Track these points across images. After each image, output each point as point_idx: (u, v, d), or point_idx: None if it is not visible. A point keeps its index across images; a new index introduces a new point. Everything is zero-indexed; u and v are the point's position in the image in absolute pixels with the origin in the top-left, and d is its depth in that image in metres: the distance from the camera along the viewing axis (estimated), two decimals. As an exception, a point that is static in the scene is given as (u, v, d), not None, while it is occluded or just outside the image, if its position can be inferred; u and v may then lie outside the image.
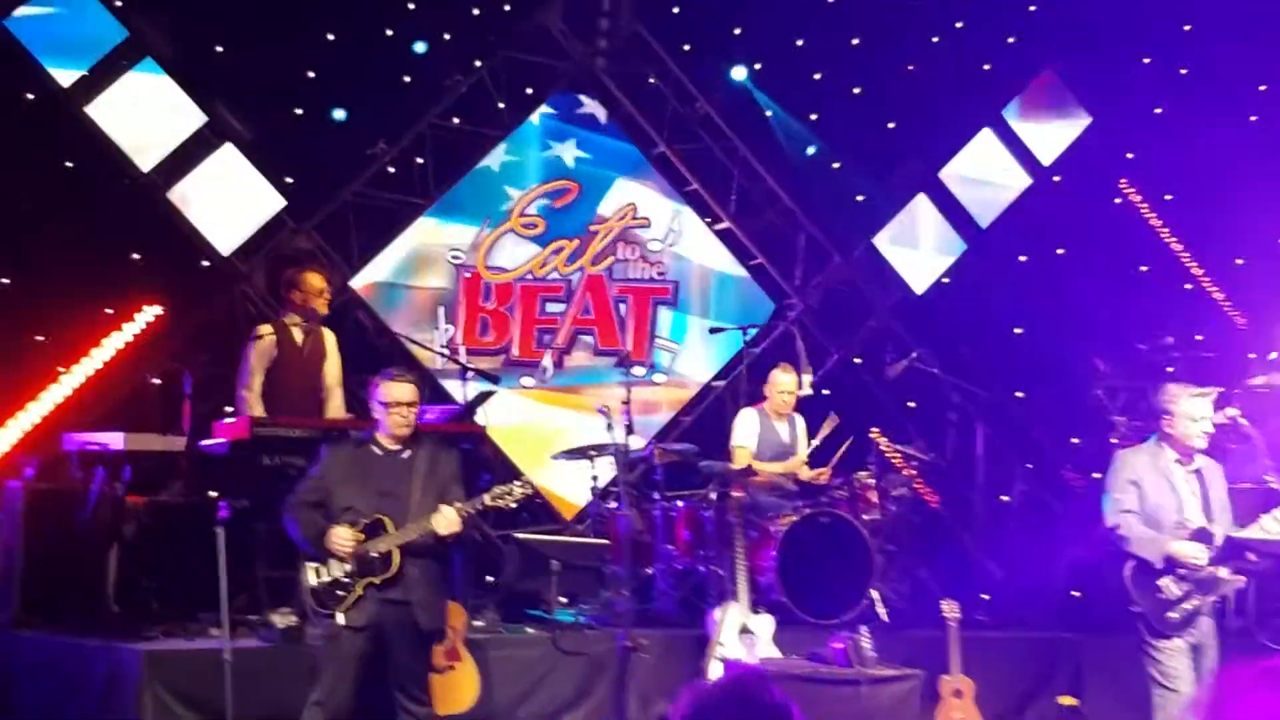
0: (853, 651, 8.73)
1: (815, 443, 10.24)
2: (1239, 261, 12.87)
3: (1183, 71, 12.86)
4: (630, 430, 9.86)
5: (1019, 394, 12.70)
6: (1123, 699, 8.65)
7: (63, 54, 10.51)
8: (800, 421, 10.40)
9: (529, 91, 12.00)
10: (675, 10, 12.36)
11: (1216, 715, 3.37)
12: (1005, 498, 12.36)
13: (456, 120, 11.76)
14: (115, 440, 8.82)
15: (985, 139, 12.71)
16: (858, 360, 12.57)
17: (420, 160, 11.64)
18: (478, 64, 11.75)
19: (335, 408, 9.34)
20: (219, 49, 11.02)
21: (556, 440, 11.26)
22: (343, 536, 7.13)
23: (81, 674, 8.15)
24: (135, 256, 10.81)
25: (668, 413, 12.22)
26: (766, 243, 12.51)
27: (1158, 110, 12.91)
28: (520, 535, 10.13)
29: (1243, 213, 12.25)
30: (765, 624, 8.86)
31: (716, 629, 8.73)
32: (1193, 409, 7.52)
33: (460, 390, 9.90)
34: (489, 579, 10.21)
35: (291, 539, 7.34)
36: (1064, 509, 12.02)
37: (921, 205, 12.63)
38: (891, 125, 12.72)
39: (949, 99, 12.57)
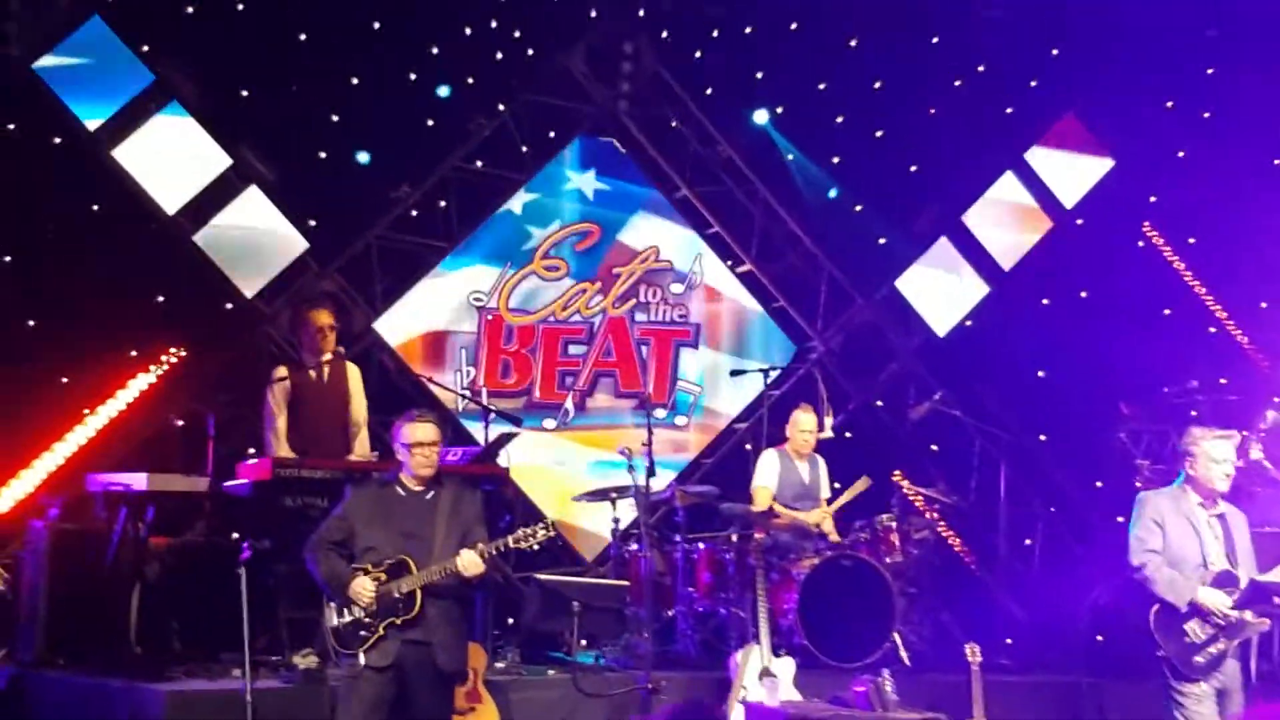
0: (875, 695, 8.69)
1: (843, 500, 10.23)
2: (1263, 305, 12.83)
3: (1206, 115, 12.86)
4: (652, 472, 9.87)
5: (1042, 437, 12.66)
6: (1147, 744, 8.58)
7: (90, 98, 10.63)
8: (821, 463, 10.39)
9: (551, 135, 12.07)
10: (697, 54, 12.42)
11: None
12: (1028, 541, 12.31)
13: (479, 163, 11.83)
14: (139, 481, 8.84)
15: (1008, 182, 12.73)
16: (879, 403, 12.55)
17: (443, 203, 11.71)
18: (500, 107, 11.83)
19: (362, 445, 9.39)
20: (244, 93, 11.10)
21: (578, 482, 11.26)
22: (365, 587, 7.13)
23: (104, 714, 8.13)
24: (160, 299, 10.86)
25: (691, 453, 12.22)
26: (788, 285, 12.53)
27: (1181, 153, 12.90)
28: (541, 576, 10.11)
29: (1267, 256, 12.23)
30: (787, 667, 8.82)
31: (738, 672, 8.71)
32: (1215, 451, 7.49)
33: (482, 431, 9.92)
34: (510, 620, 10.20)
35: (313, 578, 7.35)
36: (1087, 552, 11.95)
37: (944, 248, 12.63)
38: (914, 169, 12.74)
39: (971, 142, 12.59)
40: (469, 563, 7.16)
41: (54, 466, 10.15)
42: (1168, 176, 12.89)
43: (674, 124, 12.31)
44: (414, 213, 11.66)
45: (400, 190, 11.57)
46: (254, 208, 10.98)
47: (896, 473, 11.61)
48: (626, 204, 12.29)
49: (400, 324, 11.59)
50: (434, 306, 11.71)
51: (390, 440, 7.67)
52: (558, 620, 9.67)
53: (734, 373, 11.88)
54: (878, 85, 12.63)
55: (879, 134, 12.71)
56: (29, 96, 10.52)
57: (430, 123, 11.71)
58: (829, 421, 10.58)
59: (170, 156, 10.80)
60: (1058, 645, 10.69)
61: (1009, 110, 12.83)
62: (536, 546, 7.55)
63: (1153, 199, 13.06)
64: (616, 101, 12.12)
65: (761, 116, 12.49)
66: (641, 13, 12.09)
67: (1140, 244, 13.05)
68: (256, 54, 10.97)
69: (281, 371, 9.32)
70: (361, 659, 7.12)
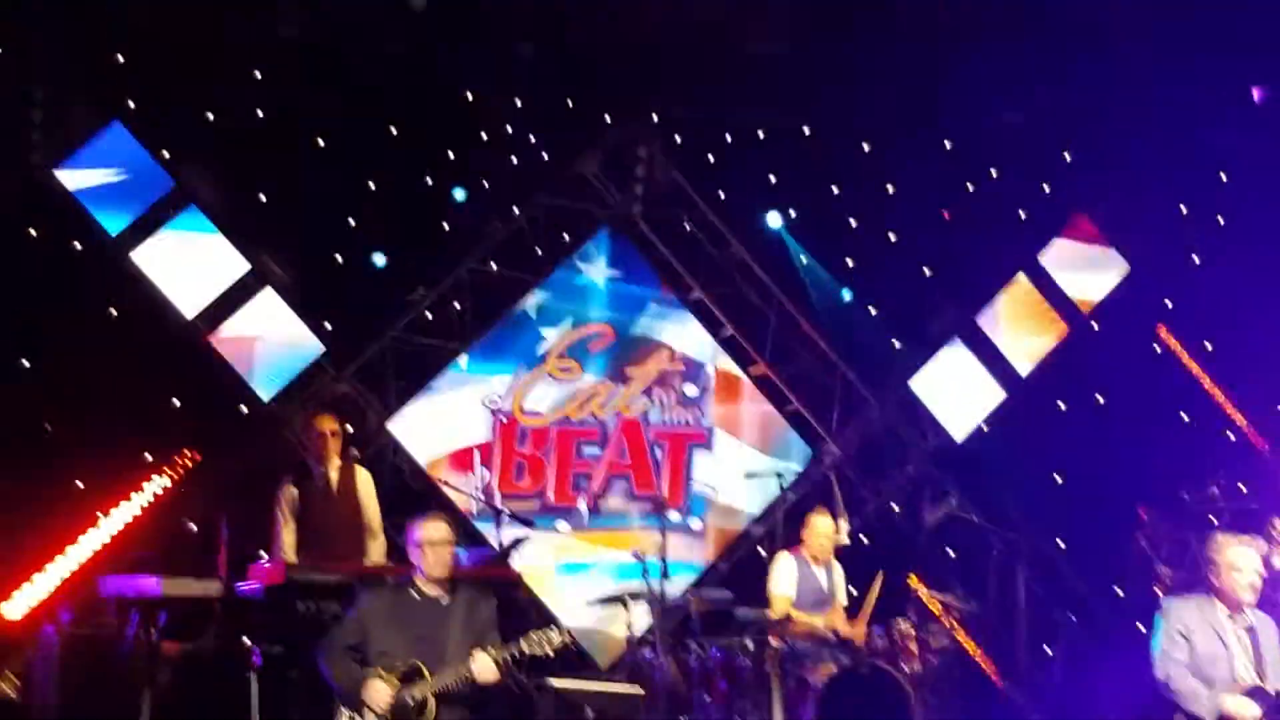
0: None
1: (869, 608, 10.12)
2: (1282, 409, 12.80)
3: (1220, 220, 12.90)
4: (666, 576, 9.78)
5: (1060, 542, 12.57)
6: None
7: (111, 203, 10.75)
8: (838, 569, 10.29)
9: (566, 237, 12.14)
10: (711, 158, 12.51)
11: None
12: (1048, 649, 12.17)
13: (494, 265, 11.89)
14: (151, 585, 8.79)
15: (1021, 285, 12.75)
16: (896, 508, 12.49)
17: (458, 305, 11.75)
18: (516, 210, 11.90)
19: (377, 551, 9.34)
20: (262, 196, 11.20)
21: (592, 585, 11.17)
22: (380, 691, 7.07)
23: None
24: (176, 402, 10.88)
25: (707, 556, 12.14)
26: (803, 387, 12.51)
27: (1195, 258, 12.93)
28: (555, 682, 10.00)
29: (1283, 360, 12.21)
30: (805, 777, 8.70)
31: (755, 782, 8.58)
32: (1236, 559, 7.43)
33: (494, 534, 9.88)
34: (523, 727, 10.06)
35: (326, 682, 7.28)
36: (1108, 661, 11.80)
37: (959, 352, 12.63)
38: (928, 272, 12.77)
39: (985, 246, 12.63)
40: (483, 669, 7.10)
41: (67, 572, 10.11)
42: (1183, 281, 12.91)
43: (687, 226, 12.38)
44: (429, 314, 11.70)
45: (416, 293, 11.63)
46: (270, 310, 11.04)
47: (911, 576, 11.51)
48: (640, 305, 12.31)
49: (415, 428, 11.57)
50: (448, 413, 11.69)
51: (404, 543, 7.63)
52: (571, 728, 9.54)
53: (749, 475, 11.83)
54: (891, 189, 12.70)
55: (893, 237, 12.77)
56: (50, 202, 10.63)
57: (446, 226, 11.79)
58: (844, 526, 10.49)
59: (188, 260, 10.88)
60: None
61: (1022, 214, 12.88)
62: (551, 653, 7.50)
63: (1168, 303, 13.07)
64: (630, 204, 12.20)
65: (775, 220, 12.55)
66: (655, 117, 12.20)
67: (1156, 348, 13.05)
68: (274, 159, 11.09)
69: (288, 484, 9.32)
70: (374, 766, 7.04)
